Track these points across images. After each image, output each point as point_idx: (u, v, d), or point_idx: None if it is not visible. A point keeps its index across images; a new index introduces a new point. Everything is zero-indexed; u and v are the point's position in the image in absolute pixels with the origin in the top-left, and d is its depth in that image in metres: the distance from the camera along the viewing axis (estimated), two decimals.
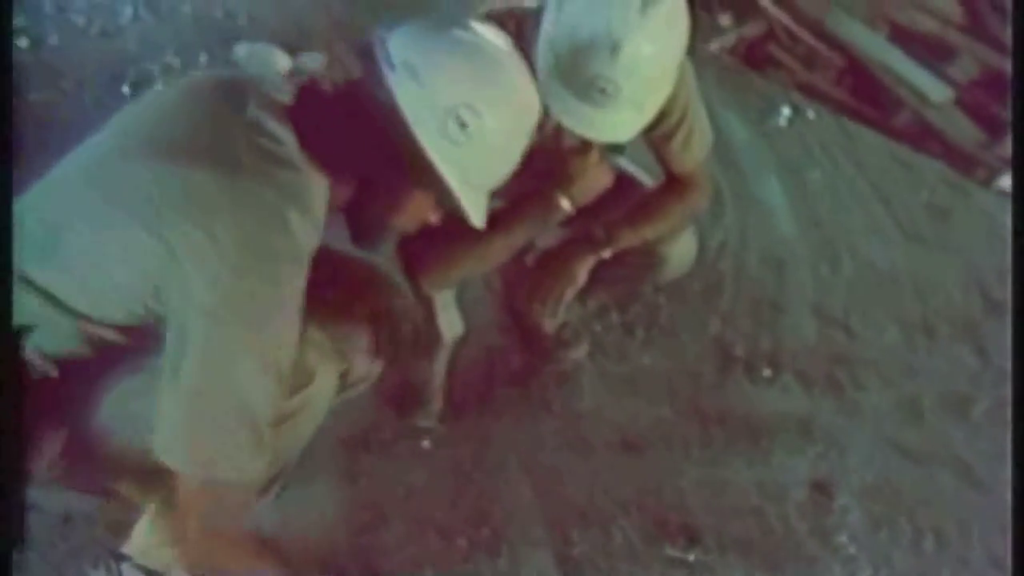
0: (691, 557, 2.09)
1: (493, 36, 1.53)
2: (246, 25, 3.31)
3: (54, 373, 1.46)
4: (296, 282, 1.42)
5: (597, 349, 2.45)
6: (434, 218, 1.61)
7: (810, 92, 3.55)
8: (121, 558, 1.78)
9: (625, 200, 2.08)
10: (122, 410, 1.51)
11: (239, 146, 1.42)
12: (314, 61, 3.09)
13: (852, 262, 2.87)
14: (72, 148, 1.54)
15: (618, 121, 1.77)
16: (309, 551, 2.00)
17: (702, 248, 2.74)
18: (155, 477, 1.63)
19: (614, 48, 1.68)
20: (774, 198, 3.05)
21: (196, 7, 3.34)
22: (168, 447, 1.40)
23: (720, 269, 2.76)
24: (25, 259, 1.44)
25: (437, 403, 2.24)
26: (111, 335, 1.47)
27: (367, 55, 1.47)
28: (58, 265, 1.44)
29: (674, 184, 2.10)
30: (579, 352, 2.44)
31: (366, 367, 1.81)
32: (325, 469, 2.05)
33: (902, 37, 3.71)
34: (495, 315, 2.46)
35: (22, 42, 3.12)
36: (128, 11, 3.29)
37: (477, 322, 2.33)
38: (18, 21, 3.15)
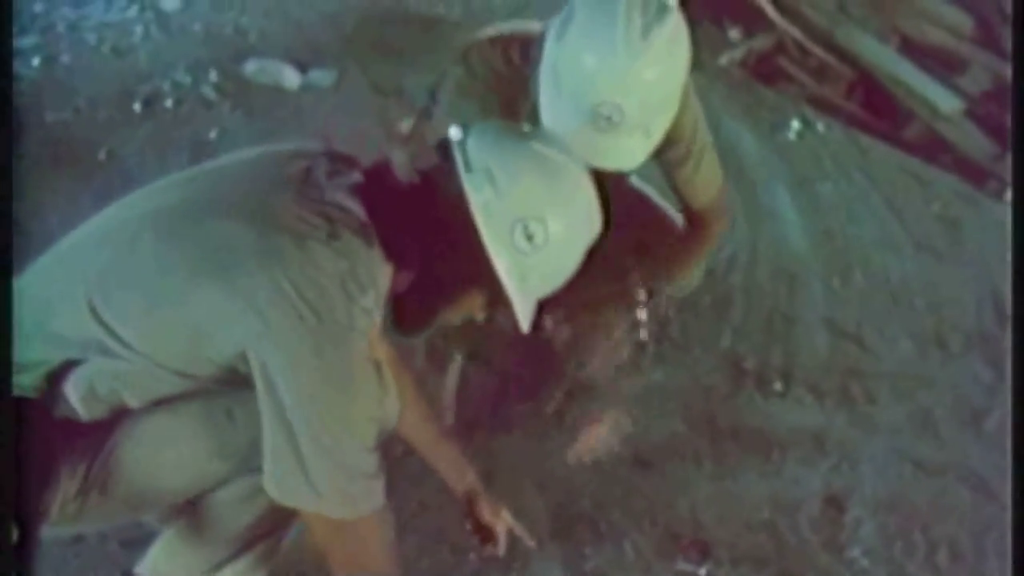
0: (703, 571, 2.08)
1: (567, 155, 1.54)
2: (257, 42, 3.33)
3: (84, 416, 1.47)
4: (364, 340, 1.44)
5: (607, 364, 2.44)
6: (480, 316, 1.62)
7: (820, 105, 3.55)
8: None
9: (657, 232, 2.08)
10: (148, 454, 1.51)
11: (317, 218, 1.43)
12: (325, 78, 3.12)
13: (864, 275, 2.86)
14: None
15: (626, 147, 1.77)
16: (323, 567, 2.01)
17: (713, 261, 2.78)
18: (179, 508, 1.65)
19: (618, 75, 1.68)
20: (785, 211, 3.04)
21: (207, 24, 3.37)
22: (293, 491, 1.42)
23: (731, 282, 2.76)
24: (83, 297, 1.44)
25: (447, 418, 2.24)
26: (169, 386, 1.48)
27: (445, 150, 1.49)
28: (121, 308, 1.44)
29: (697, 225, 2.10)
30: (588, 371, 2.44)
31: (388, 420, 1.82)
32: None
33: (912, 49, 3.71)
34: (508, 333, 2.45)
35: (35, 61, 3.15)
36: (139, 29, 3.32)
37: (490, 342, 2.35)
38: (31, 40, 3.18)
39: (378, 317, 1.50)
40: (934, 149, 3.53)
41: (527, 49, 1.81)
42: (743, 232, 2.92)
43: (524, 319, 1.53)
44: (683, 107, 1.88)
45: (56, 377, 1.44)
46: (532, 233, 1.46)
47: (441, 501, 2.14)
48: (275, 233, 1.40)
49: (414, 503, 2.12)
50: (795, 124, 3.38)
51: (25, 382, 1.42)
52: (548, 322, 2.42)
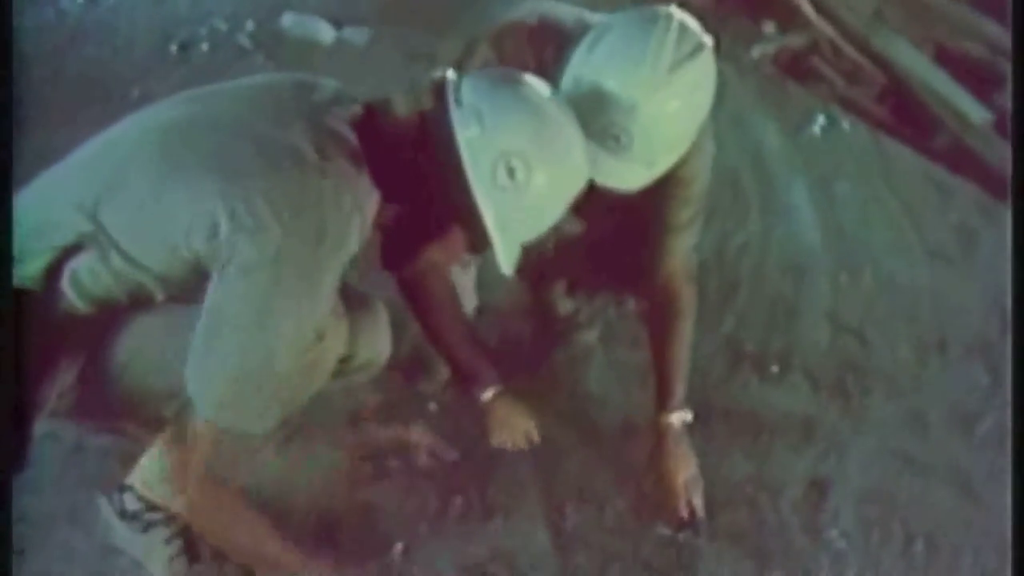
0: (680, 537, 2.12)
1: (557, 105, 1.58)
2: None
3: (80, 310, 1.53)
4: (336, 265, 1.50)
5: (608, 335, 2.49)
6: (464, 258, 1.67)
7: (850, 107, 3.56)
8: (124, 488, 1.84)
9: None
10: (137, 349, 1.57)
11: (309, 137, 1.50)
12: (359, 35, 3.16)
13: (873, 275, 2.88)
14: (120, 103, 1.62)
15: (626, 171, 1.77)
16: (309, 504, 2.06)
17: (723, 248, 2.82)
18: (163, 420, 1.71)
19: (635, 104, 1.69)
20: (801, 206, 3.07)
21: None
22: (198, 388, 1.47)
23: (739, 270, 2.79)
24: (86, 195, 1.51)
25: (443, 372, 2.29)
26: (150, 284, 1.54)
27: (440, 91, 1.54)
28: (114, 208, 1.51)
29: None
30: (590, 336, 2.48)
31: (373, 353, 1.86)
32: (330, 423, 2.09)
33: (947, 60, 3.72)
34: (511, 294, 2.51)
35: None
36: None
37: (492, 299, 2.39)
38: None
39: (358, 243, 1.54)
40: (959, 159, 3.53)
41: (561, 50, 1.80)
42: (757, 223, 2.95)
43: (505, 261, 1.58)
44: (698, 149, 1.88)
45: (54, 271, 1.51)
46: (513, 168, 1.50)
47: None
48: (273, 148, 1.47)
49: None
50: (821, 119, 3.39)
51: (26, 272, 1.49)
52: (555, 292, 2.47)
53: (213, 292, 1.45)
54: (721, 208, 2.91)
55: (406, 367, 2.24)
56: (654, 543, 2.12)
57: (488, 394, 2.06)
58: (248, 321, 1.44)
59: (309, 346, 1.49)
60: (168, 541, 1.84)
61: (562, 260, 2.36)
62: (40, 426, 2.07)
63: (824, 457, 2.35)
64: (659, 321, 2.10)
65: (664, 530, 2.13)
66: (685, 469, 2.13)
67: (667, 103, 1.70)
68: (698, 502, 2.12)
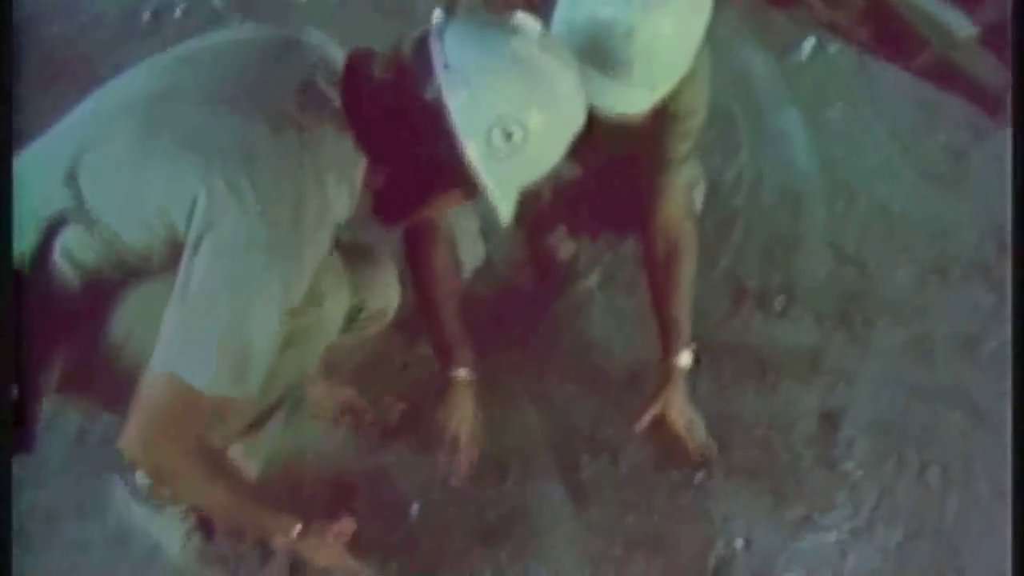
0: (696, 479, 2.11)
1: (549, 48, 1.53)
2: None
3: (76, 284, 1.49)
4: (320, 238, 1.46)
5: (608, 280, 2.46)
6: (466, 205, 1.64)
7: (832, 30, 3.50)
8: (128, 469, 1.82)
9: None
10: (132, 326, 1.53)
11: (290, 102, 1.46)
12: None
13: (867, 200, 2.85)
14: (88, 82, 1.57)
15: (629, 96, 1.74)
16: (323, 469, 2.05)
17: (716, 182, 2.77)
18: None
19: (631, 28, 1.65)
20: (793, 134, 3.02)
21: None
22: (162, 355, 1.43)
23: (733, 204, 2.75)
24: (66, 168, 1.48)
25: None
26: (133, 259, 1.50)
27: (422, 48, 1.47)
28: (93, 181, 1.47)
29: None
30: (590, 283, 2.46)
31: (383, 302, 1.83)
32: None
33: None
34: (510, 245, 2.47)
35: None
36: None
37: (492, 251, 2.35)
38: None
39: (348, 208, 1.52)
40: (946, 77, 3.48)
41: None
42: (748, 154, 2.90)
43: (503, 212, 1.54)
44: (693, 83, 1.84)
45: (45, 248, 1.48)
46: (511, 132, 1.46)
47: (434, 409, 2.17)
48: (249, 118, 1.43)
49: (411, 409, 2.13)
50: (809, 43, 3.33)
51: (21, 249, 1.47)
52: (553, 238, 2.44)
53: (188, 267, 1.41)
54: (712, 142, 2.86)
55: (409, 324, 2.20)
56: (669, 487, 2.11)
57: (461, 372, 2.00)
58: (227, 297, 1.40)
59: (298, 314, 1.46)
60: (184, 517, 1.84)
61: (561, 206, 2.33)
62: (40, 419, 2.07)
63: (833, 389, 2.34)
64: (660, 263, 2.07)
65: (678, 474, 2.11)
66: (682, 414, 2.11)
67: (662, 24, 1.67)
68: (703, 439, 2.12)
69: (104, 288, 1.51)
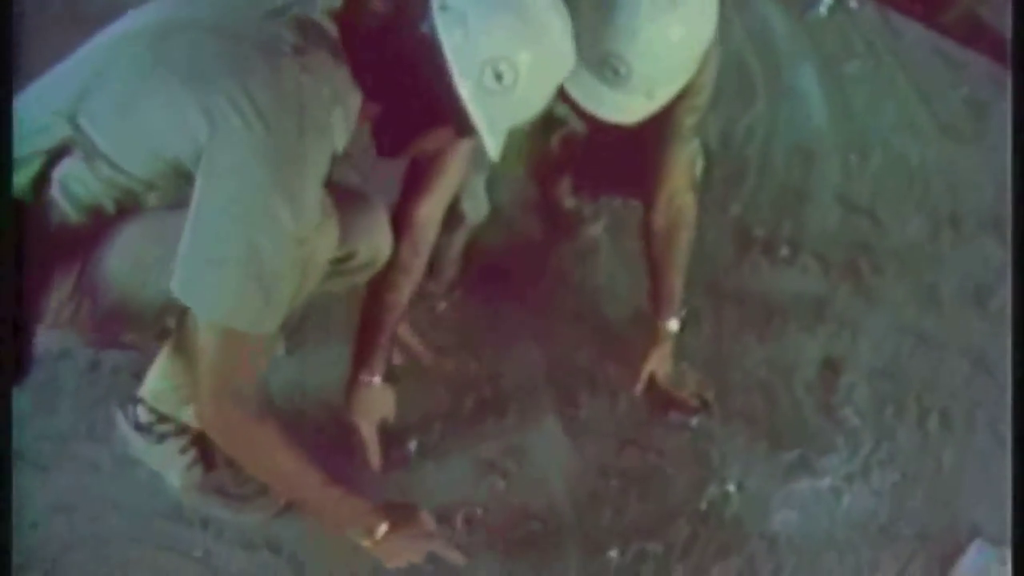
0: (694, 422, 2.13)
1: None
2: None
3: (72, 219, 1.53)
4: (320, 157, 1.48)
5: (614, 225, 2.47)
6: (453, 145, 1.66)
7: None
8: (136, 401, 1.87)
9: None
10: (128, 260, 1.57)
11: (289, 32, 1.48)
12: None
13: (883, 154, 2.84)
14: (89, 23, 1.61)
15: (625, 103, 1.73)
16: (324, 406, 2.09)
17: (729, 133, 2.78)
18: (165, 330, 1.71)
19: (636, 31, 1.64)
20: (808, 89, 3.01)
21: None
22: (187, 287, 1.45)
23: (746, 155, 2.75)
24: (67, 100, 1.51)
25: (450, 272, 2.29)
26: (137, 188, 1.53)
27: None
28: (94, 113, 1.50)
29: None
30: (596, 228, 2.47)
31: (374, 250, 1.84)
32: (339, 328, 2.10)
33: None
34: (517, 192, 2.49)
35: None
36: None
37: (500, 198, 2.38)
38: None
39: (345, 136, 1.54)
40: (972, 32, 3.44)
41: None
42: (763, 106, 2.90)
43: (492, 149, 1.56)
44: (705, 64, 1.83)
45: (43, 180, 1.51)
46: (501, 73, 1.48)
47: (441, 346, 2.21)
48: (246, 45, 1.46)
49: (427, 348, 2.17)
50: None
51: (17, 182, 1.49)
52: (561, 189, 2.46)
53: (198, 194, 1.44)
54: (727, 92, 2.85)
55: None
56: (667, 428, 2.13)
57: (373, 379, 1.95)
58: (237, 219, 1.43)
59: (301, 240, 1.48)
60: (183, 451, 1.88)
61: (568, 158, 2.34)
62: (53, 344, 2.12)
63: (836, 337, 2.35)
64: (661, 232, 2.07)
65: (677, 416, 2.14)
66: (668, 374, 2.16)
67: (671, 30, 1.66)
68: (693, 391, 2.15)
69: (99, 224, 1.55)
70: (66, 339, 1.89)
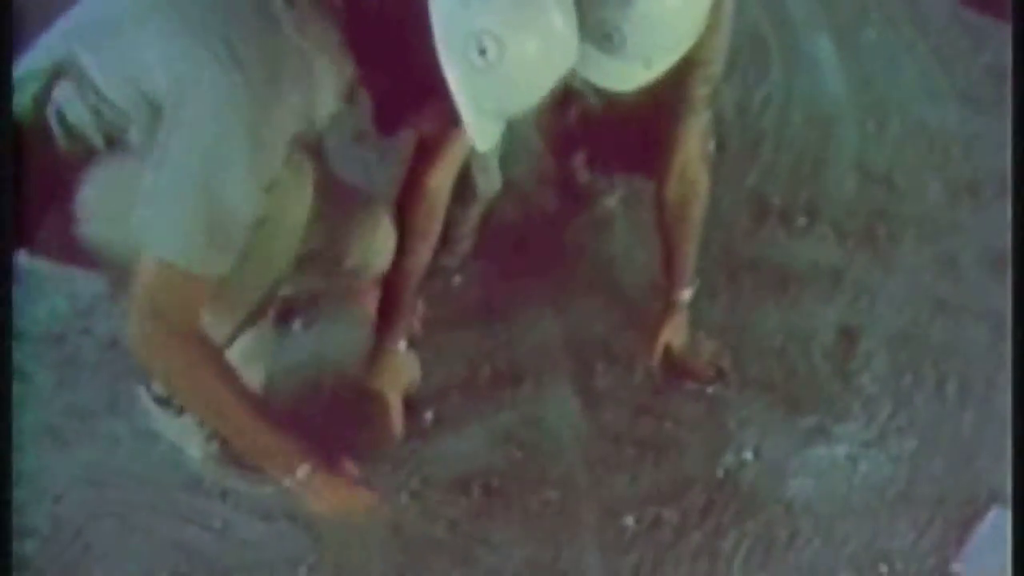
0: (710, 390, 2.14)
1: None
2: None
3: (65, 148, 1.54)
4: (295, 115, 1.48)
5: (630, 195, 2.47)
6: (451, 126, 1.61)
7: None
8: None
9: None
10: (100, 198, 1.57)
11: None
12: None
13: (900, 120, 2.82)
14: None
15: (622, 71, 1.70)
16: (341, 377, 2.10)
17: (745, 102, 2.77)
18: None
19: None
20: (825, 57, 2.99)
21: None
22: (141, 224, 1.46)
23: (762, 124, 2.74)
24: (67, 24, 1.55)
25: (465, 245, 2.30)
26: (118, 121, 1.54)
27: None
28: (89, 39, 1.53)
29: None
30: (612, 200, 2.47)
31: (363, 258, 1.87)
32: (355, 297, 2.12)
33: None
34: (534, 164, 2.50)
35: None
36: None
37: (516, 170, 2.38)
38: None
39: (329, 103, 1.56)
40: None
41: None
42: (779, 75, 2.88)
43: (480, 138, 1.55)
44: (714, 31, 1.80)
45: (42, 105, 1.53)
46: (485, 48, 1.45)
47: (457, 318, 2.22)
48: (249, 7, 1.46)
49: (430, 317, 2.18)
50: None
51: (22, 102, 1.52)
52: (576, 161, 2.46)
53: (165, 134, 1.45)
54: (743, 62, 2.85)
55: None
56: (682, 396, 2.14)
57: (398, 346, 1.97)
58: (198, 161, 1.43)
59: (261, 188, 1.48)
60: (201, 424, 1.88)
61: (583, 132, 2.34)
62: (76, 323, 2.16)
63: (854, 304, 2.34)
64: (674, 204, 2.06)
65: (693, 384, 2.14)
66: (683, 344, 2.16)
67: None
68: (708, 359, 2.16)
69: (87, 156, 1.56)
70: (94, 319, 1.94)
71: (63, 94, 1.53)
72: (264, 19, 1.45)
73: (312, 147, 1.63)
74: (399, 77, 1.55)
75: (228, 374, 1.56)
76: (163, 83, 1.46)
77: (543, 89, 1.55)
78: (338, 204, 1.78)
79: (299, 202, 1.63)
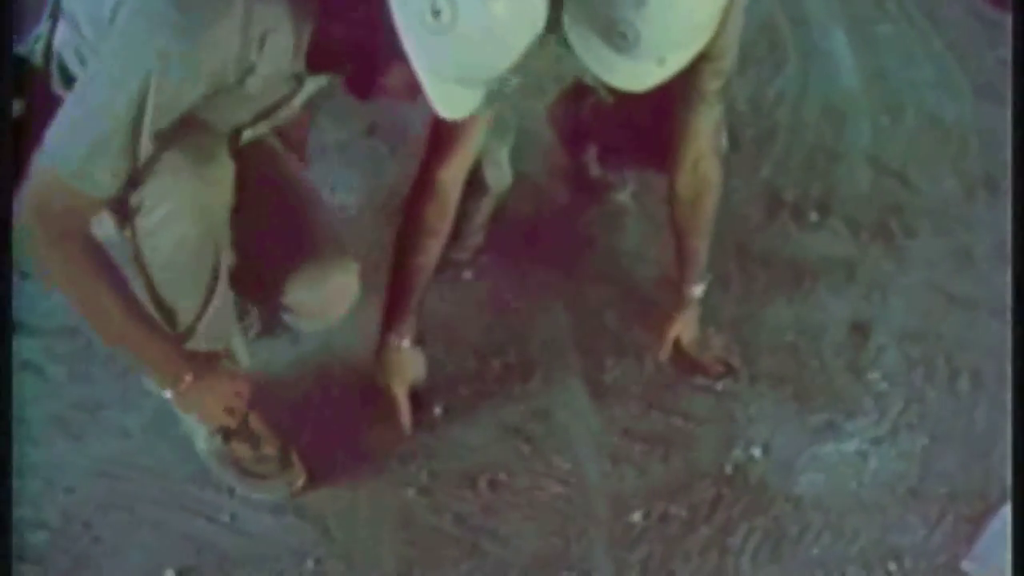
0: (719, 387, 2.13)
1: None
2: None
3: (63, 91, 1.56)
4: (227, 41, 1.45)
5: (642, 189, 2.46)
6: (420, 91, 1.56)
7: None
8: None
9: None
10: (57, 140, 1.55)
11: None
12: None
13: (915, 114, 2.81)
14: None
15: (635, 70, 1.67)
16: (349, 372, 2.11)
17: (759, 96, 2.76)
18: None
19: None
20: (839, 51, 2.98)
21: None
22: (50, 142, 1.46)
23: (776, 118, 2.73)
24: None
25: (477, 239, 2.30)
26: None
27: None
28: None
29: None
30: (624, 194, 2.47)
31: (304, 303, 1.91)
32: (365, 292, 2.11)
33: None
34: (545, 158, 2.50)
35: None
36: None
37: (528, 164, 2.38)
38: None
39: (286, 52, 1.53)
40: None
41: None
42: (793, 69, 2.88)
43: (440, 104, 1.51)
44: (726, 27, 1.78)
45: (51, 49, 1.58)
46: (439, 10, 1.41)
47: (467, 312, 2.22)
48: None
49: (441, 311, 2.18)
50: None
51: (35, 47, 1.58)
52: (588, 155, 2.46)
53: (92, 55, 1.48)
54: (757, 55, 2.84)
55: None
56: (693, 391, 2.13)
57: (403, 342, 1.96)
58: (104, 78, 1.44)
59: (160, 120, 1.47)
60: None
61: (596, 126, 2.34)
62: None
63: (866, 298, 2.33)
64: (687, 197, 2.05)
65: (702, 380, 2.14)
66: (694, 338, 2.16)
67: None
68: (718, 354, 2.15)
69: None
70: None
71: (62, 36, 1.56)
72: None
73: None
74: (361, 38, 1.52)
75: (113, 279, 1.56)
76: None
77: (509, 55, 1.49)
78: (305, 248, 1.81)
79: (219, 181, 1.64)
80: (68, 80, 1.59)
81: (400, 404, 1.97)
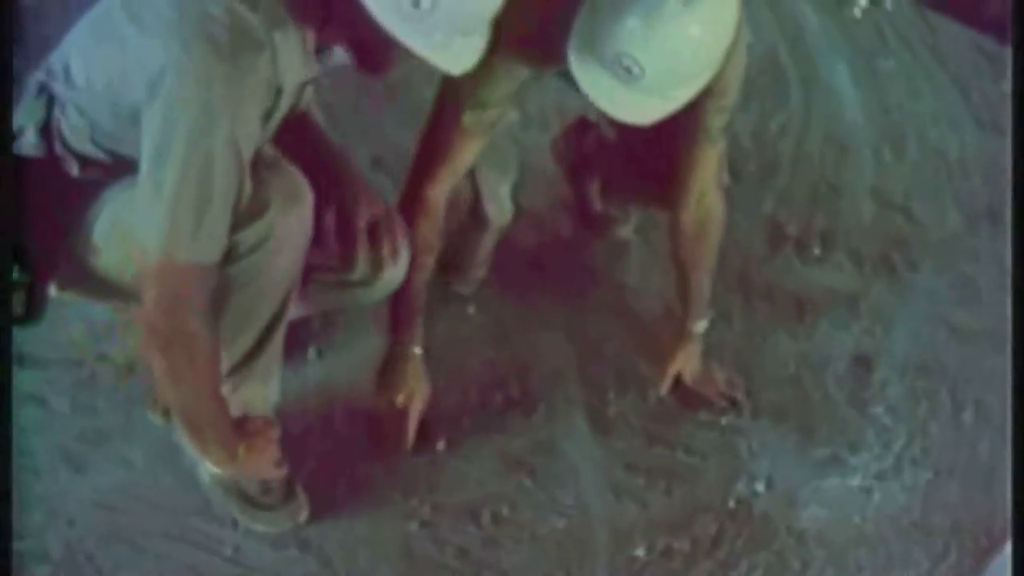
0: (723, 421, 2.13)
1: None
2: None
3: (74, 171, 1.57)
4: (262, 78, 1.48)
5: (646, 223, 2.47)
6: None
7: None
8: None
9: None
10: (108, 228, 1.59)
11: None
12: None
13: (919, 148, 2.81)
14: None
15: (640, 103, 1.68)
16: (352, 404, 2.11)
17: (762, 129, 2.77)
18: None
19: (650, 31, 1.59)
20: (842, 85, 2.98)
21: None
22: (148, 234, 1.48)
23: (779, 150, 2.73)
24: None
25: (479, 273, 2.30)
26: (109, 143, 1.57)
27: None
28: (75, 47, 1.58)
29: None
30: (627, 229, 2.48)
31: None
32: (368, 324, 2.12)
33: None
34: (549, 191, 2.51)
35: None
36: None
37: (531, 198, 2.39)
38: None
39: (294, 72, 1.55)
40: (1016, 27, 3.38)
41: None
42: (797, 102, 2.88)
43: (443, 64, 1.53)
44: (730, 64, 1.78)
45: (47, 131, 1.57)
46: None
47: (469, 345, 2.22)
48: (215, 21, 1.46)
49: (442, 345, 2.18)
50: (862, 1, 3.28)
51: (28, 140, 1.57)
52: (591, 189, 2.46)
53: (147, 147, 1.46)
54: (760, 89, 2.85)
55: (440, 262, 2.23)
56: (695, 426, 2.13)
57: (415, 349, 2.01)
58: (181, 145, 1.44)
59: (238, 155, 1.48)
60: None
61: (599, 160, 2.35)
62: (92, 348, 2.17)
63: (870, 332, 2.33)
64: (690, 233, 2.05)
65: (706, 415, 2.13)
66: (696, 373, 2.16)
67: (684, 30, 1.60)
68: (721, 389, 2.15)
69: (91, 183, 1.58)
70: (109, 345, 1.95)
71: (63, 117, 1.56)
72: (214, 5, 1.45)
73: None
74: (360, 28, 1.52)
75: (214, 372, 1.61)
76: (140, 92, 1.47)
77: (486, 10, 1.51)
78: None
79: (297, 217, 1.64)
80: (79, 159, 1.59)
81: (410, 420, 1.98)
